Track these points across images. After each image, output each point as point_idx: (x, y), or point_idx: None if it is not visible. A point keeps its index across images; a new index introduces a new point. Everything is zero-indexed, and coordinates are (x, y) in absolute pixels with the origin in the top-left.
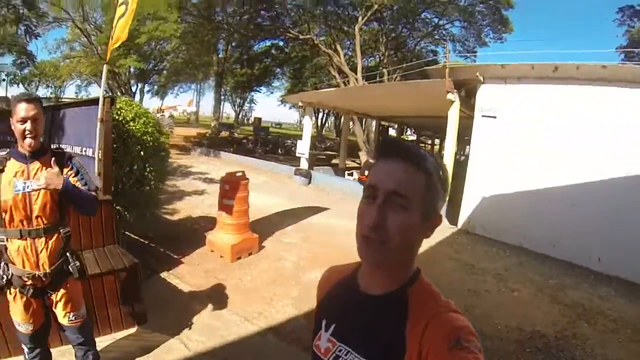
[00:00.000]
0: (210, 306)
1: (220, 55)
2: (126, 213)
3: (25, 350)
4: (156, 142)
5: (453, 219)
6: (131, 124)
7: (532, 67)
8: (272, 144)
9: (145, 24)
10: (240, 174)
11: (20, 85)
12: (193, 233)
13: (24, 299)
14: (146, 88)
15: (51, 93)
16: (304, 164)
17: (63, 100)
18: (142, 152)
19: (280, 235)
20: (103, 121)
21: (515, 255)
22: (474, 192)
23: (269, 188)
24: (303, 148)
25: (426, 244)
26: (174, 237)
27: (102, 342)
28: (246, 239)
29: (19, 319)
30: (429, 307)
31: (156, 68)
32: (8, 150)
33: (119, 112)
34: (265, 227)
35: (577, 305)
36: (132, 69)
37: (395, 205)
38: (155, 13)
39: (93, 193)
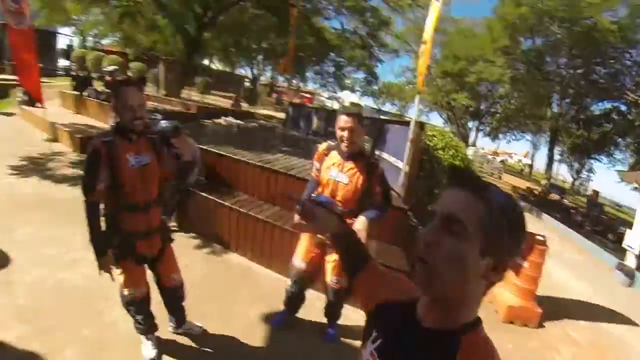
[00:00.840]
0: None
1: (555, 110)
2: (420, 228)
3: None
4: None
5: None
6: (440, 152)
7: None
8: (603, 226)
9: (476, 65)
10: (540, 237)
11: (370, 97)
12: None
13: None
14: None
15: (397, 110)
16: (630, 260)
17: (406, 118)
18: (444, 180)
19: (567, 324)
20: (412, 142)
21: None
22: None
23: (579, 270)
24: (633, 240)
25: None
26: None
27: None
28: (527, 308)
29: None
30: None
31: (490, 110)
32: (335, 143)
33: (430, 139)
34: (555, 308)
35: None
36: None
37: (451, 229)
38: (482, 56)
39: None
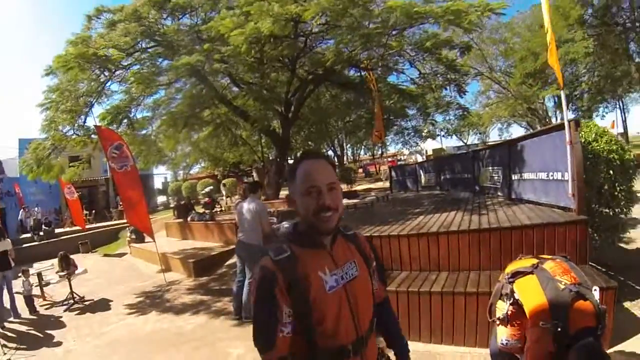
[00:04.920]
0: None
1: (638, 60)
2: (595, 235)
3: None
4: (622, 160)
5: None
6: (594, 144)
7: None
8: None
9: (559, 49)
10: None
11: (454, 136)
12: None
13: None
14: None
15: (478, 139)
16: None
17: (489, 143)
18: (610, 172)
19: None
20: (572, 144)
21: None
22: None
23: None
24: None
25: None
26: (632, 265)
27: None
28: None
29: None
30: None
31: (575, 93)
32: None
33: (580, 135)
34: None
35: None
36: (550, 102)
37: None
38: (559, 38)
39: None
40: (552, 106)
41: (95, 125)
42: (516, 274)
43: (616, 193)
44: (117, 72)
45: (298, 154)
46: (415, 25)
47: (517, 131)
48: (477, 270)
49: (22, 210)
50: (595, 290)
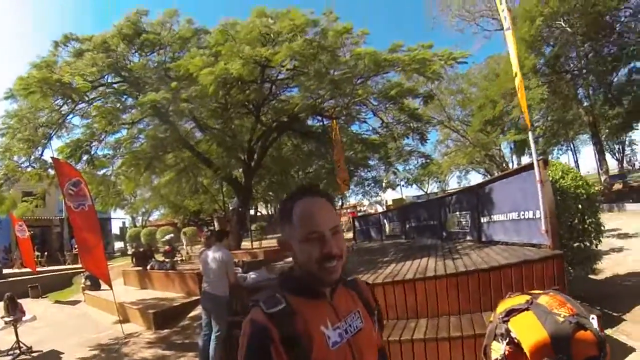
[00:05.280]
0: None
1: (586, 104)
2: (570, 269)
3: None
4: (588, 195)
5: None
6: (561, 181)
7: None
8: None
9: (514, 98)
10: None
11: (414, 185)
12: (627, 290)
13: None
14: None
15: (438, 188)
16: None
17: (448, 191)
18: (579, 206)
19: None
20: (542, 182)
21: None
22: None
23: None
24: None
25: None
26: (605, 295)
27: None
28: None
29: None
30: None
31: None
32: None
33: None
34: None
35: None
36: (507, 148)
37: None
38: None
39: None
40: (509, 152)
41: (53, 158)
42: (510, 312)
43: (586, 226)
44: (81, 106)
45: (291, 192)
46: (381, 73)
47: (475, 178)
48: (457, 314)
49: None
50: (593, 318)
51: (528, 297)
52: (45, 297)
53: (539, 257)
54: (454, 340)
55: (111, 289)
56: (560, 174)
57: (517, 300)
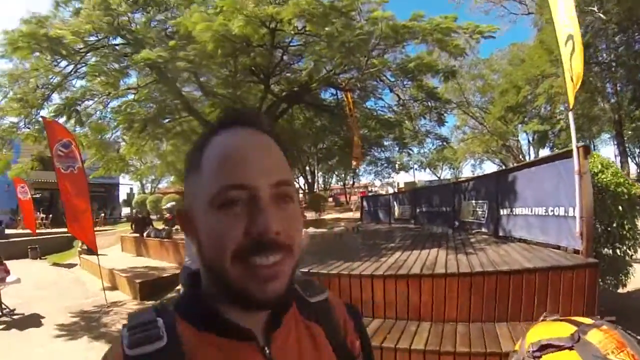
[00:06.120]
0: None
1: (612, 101)
2: (600, 281)
3: None
4: (629, 195)
5: None
6: (600, 176)
7: None
8: None
9: (543, 84)
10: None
11: (427, 169)
12: None
13: None
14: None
15: (451, 174)
16: None
17: (461, 178)
18: (619, 207)
19: None
20: (581, 174)
21: None
22: None
23: None
24: None
25: None
26: (630, 309)
27: None
28: None
29: None
30: None
31: (553, 130)
32: None
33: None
34: None
35: None
36: (526, 137)
37: None
38: (542, 73)
39: None
40: (526, 144)
41: (43, 117)
42: (547, 347)
43: (624, 232)
44: (83, 69)
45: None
46: (399, 46)
47: (490, 168)
48: (466, 321)
49: None
50: None
51: (573, 329)
52: (44, 258)
53: (570, 264)
54: (460, 357)
55: (97, 255)
56: (599, 167)
57: (556, 330)
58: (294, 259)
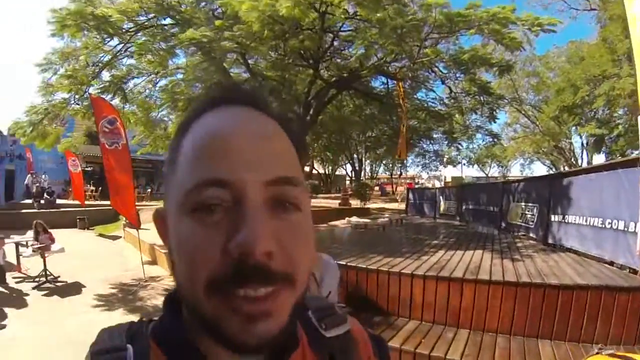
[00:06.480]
0: None
1: None
2: None
3: None
4: None
5: None
6: None
7: None
8: None
9: (603, 84)
10: None
11: (475, 165)
12: None
13: None
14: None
15: (499, 172)
16: None
17: (509, 178)
18: None
19: None
20: None
21: None
22: None
23: None
24: None
25: None
26: None
27: None
28: None
29: None
30: None
31: (610, 135)
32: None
33: None
34: None
35: None
36: (580, 140)
37: None
38: (604, 72)
39: None
40: (579, 147)
41: (90, 94)
42: None
43: None
44: (131, 48)
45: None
46: (454, 33)
47: (539, 169)
48: (507, 334)
49: (29, 175)
50: None
51: None
52: (92, 229)
53: (626, 285)
54: None
55: (137, 229)
56: None
57: None
58: (297, 291)
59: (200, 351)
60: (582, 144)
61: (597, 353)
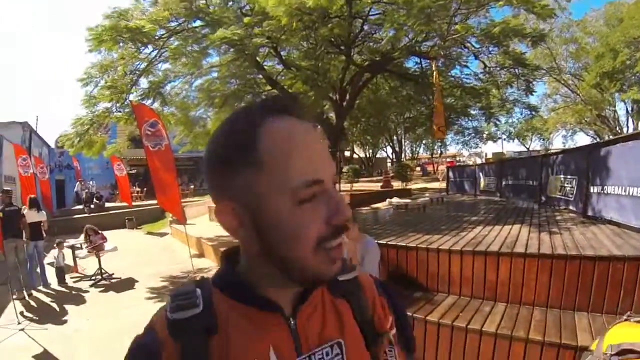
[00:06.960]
0: None
1: None
2: None
3: None
4: None
5: None
6: None
7: None
8: None
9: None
10: None
11: (516, 140)
12: None
13: None
14: None
15: (541, 145)
16: None
17: (551, 150)
18: None
19: None
20: None
21: None
22: None
23: None
24: None
25: None
26: None
27: None
28: None
29: None
30: None
31: None
32: None
33: None
34: None
35: None
36: (624, 107)
37: None
38: (638, 37)
39: None
40: (624, 114)
41: (131, 102)
42: (627, 352)
43: None
44: (166, 54)
45: (246, 107)
46: (483, 6)
47: (582, 140)
48: (543, 306)
49: (78, 182)
50: None
51: None
52: (140, 228)
53: None
54: (532, 345)
55: (184, 224)
56: None
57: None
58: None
59: (251, 288)
60: (627, 111)
61: (626, 320)
